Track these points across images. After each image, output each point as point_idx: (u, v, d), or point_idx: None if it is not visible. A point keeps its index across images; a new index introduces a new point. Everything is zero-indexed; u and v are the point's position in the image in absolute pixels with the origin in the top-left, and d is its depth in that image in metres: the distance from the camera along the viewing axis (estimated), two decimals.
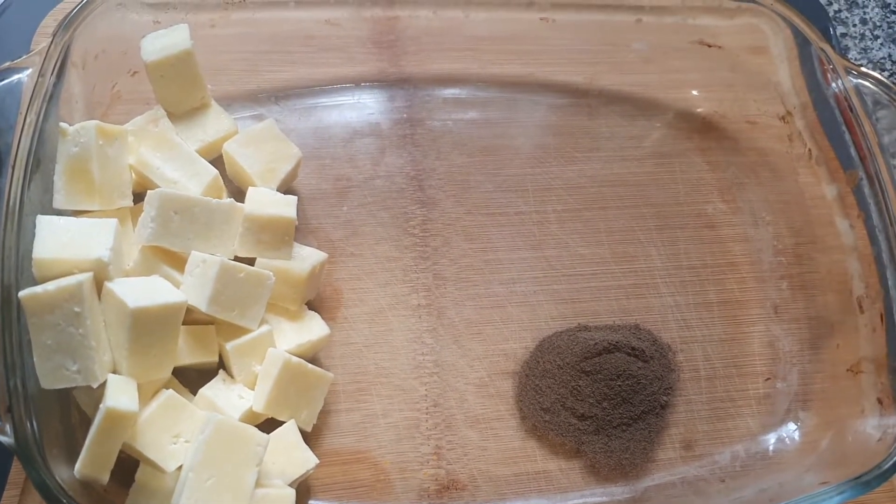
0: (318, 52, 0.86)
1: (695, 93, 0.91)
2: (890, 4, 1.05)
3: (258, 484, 0.62)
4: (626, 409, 0.74)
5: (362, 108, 0.86)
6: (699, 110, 0.91)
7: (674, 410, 0.77)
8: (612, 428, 0.74)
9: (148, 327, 0.61)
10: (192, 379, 0.69)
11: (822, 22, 0.97)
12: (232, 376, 0.69)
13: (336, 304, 0.77)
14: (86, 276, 0.61)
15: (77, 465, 0.60)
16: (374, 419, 0.73)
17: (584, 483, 0.73)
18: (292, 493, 0.65)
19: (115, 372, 0.62)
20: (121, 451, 0.61)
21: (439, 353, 0.77)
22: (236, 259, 0.69)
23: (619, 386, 0.73)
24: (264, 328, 0.70)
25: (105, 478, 0.61)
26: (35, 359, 0.60)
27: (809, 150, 0.84)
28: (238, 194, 0.76)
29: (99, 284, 0.63)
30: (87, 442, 0.60)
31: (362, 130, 0.85)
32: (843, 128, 0.78)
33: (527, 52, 0.88)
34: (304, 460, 0.67)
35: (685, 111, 0.90)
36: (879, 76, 0.79)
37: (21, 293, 0.59)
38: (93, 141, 0.66)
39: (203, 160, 0.74)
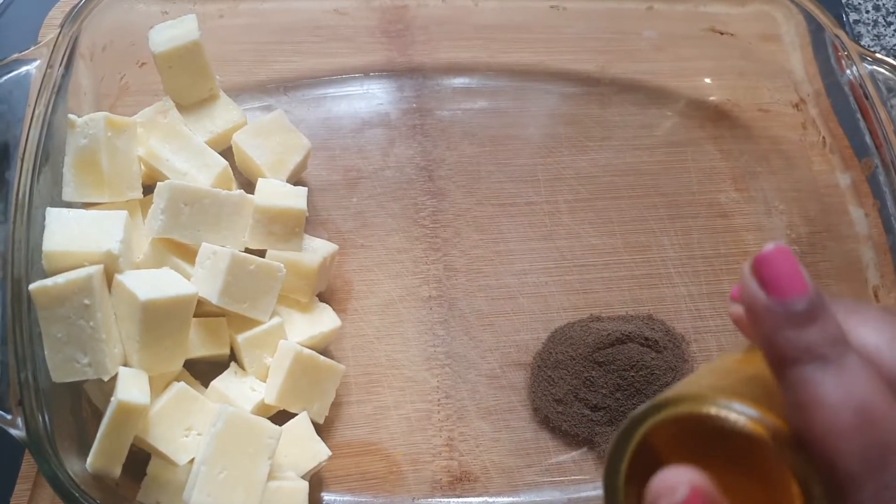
0: (327, 42, 0.86)
1: (707, 81, 0.90)
2: None
3: (271, 476, 0.61)
4: (640, 399, 0.73)
5: (371, 98, 0.85)
6: (711, 98, 0.90)
7: None
8: None
9: (159, 320, 0.61)
10: (203, 371, 0.69)
11: (834, 8, 0.96)
12: (243, 368, 0.69)
13: (347, 296, 0.77)
14: (96, 269, 0.60)
15: (89, 459, 0.60)
16: (385, 411, 0.73)
17: (597, 474, 0.73)
18: (305, 485, 0.64)
19: (125, 365, 0.62)
20: (132, 445, 0.61)
21: (451, 345, 0.76)
22: (247, 251, 0.68)
23: (633, 377, 0.73)
24: (275, 320, 0.69)
25: (117, 471, 0.60)
26: (46, 352, 0.59)
27: (823, 137, 0.83)
28: (248, 186, 0.76)
29: (109, 277, 0.63)
30: (98, 435, 0.59)
31: (371, 121, 0.84)
32: (858, 115, 0.77)
33: (537, 40, 0.88)
34: (317, 452, 0.67)
35: (697, 99, 0.89)
36: (895, 62, 0.78)
37: (31, 286, 0.59)
38: (102, 132, 0.66)
39: (212, 151, 0.73)
